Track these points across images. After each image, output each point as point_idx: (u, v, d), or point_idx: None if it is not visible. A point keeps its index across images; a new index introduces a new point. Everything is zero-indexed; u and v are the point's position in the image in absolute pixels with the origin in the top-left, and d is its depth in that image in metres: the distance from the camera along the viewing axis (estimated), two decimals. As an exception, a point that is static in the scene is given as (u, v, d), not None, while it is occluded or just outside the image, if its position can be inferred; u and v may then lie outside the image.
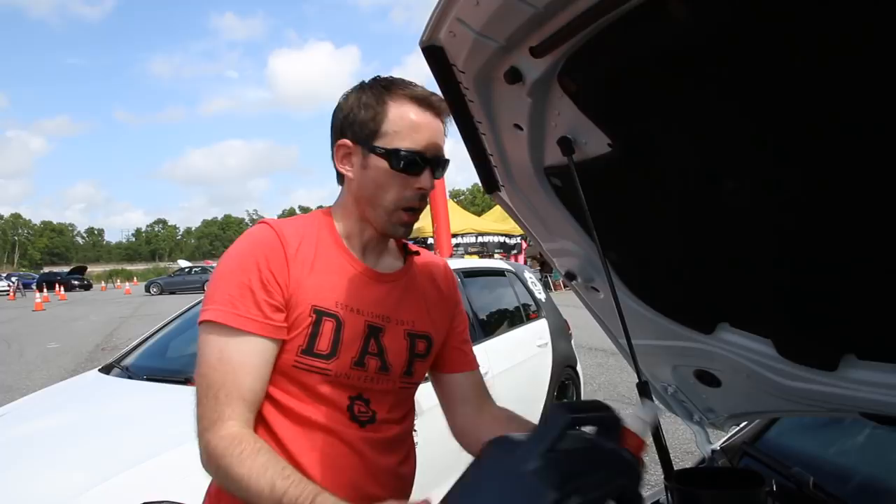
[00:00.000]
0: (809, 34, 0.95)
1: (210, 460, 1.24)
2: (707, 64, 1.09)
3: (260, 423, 1.34)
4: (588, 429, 1.10)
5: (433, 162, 1.37)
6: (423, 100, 1.37)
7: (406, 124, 1.35)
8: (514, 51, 1.24)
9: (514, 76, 1.29)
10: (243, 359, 1.27)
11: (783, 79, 1.04)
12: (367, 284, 1.41)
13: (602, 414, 1.09)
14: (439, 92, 1.42)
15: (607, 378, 8.94)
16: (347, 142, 1.39)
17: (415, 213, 1.38)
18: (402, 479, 1.48)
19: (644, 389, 1.53)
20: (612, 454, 1.06)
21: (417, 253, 1.55)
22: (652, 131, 1.30)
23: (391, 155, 1.34)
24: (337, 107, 1.43)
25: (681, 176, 1.35)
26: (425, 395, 1.55)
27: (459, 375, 1.56)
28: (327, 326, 1.33)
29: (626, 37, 1.11)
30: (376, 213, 1.38)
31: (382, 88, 1.38)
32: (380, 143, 1.35)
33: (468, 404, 1.55)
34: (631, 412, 1.14)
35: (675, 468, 1.60)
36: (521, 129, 1.43)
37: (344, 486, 1.32)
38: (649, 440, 1.14)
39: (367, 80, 1.43)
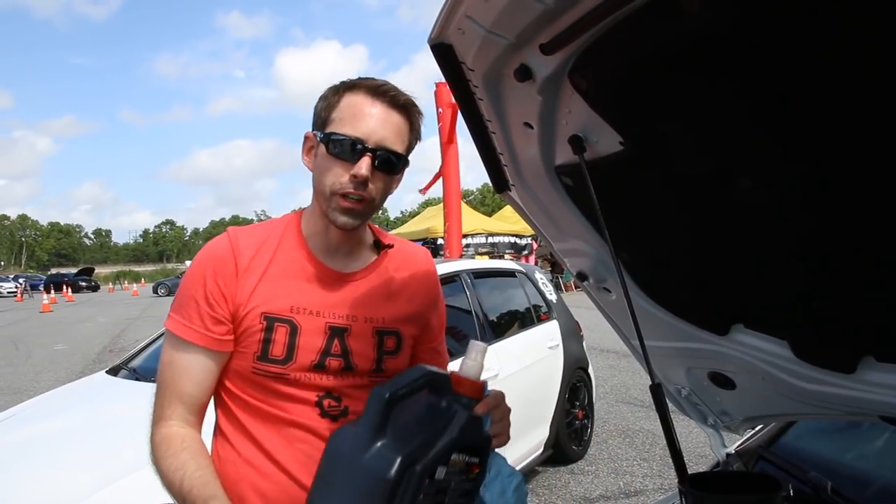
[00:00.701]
0: (822, 27, 0.93)
1: (151, 453, 1.34)
2: (720, 59, 1.07)
3: (235, 425, 1.38)
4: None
5: (375, 151, 1.32)
6: (375, 89, 1.34)
7: (351, 112, 1.33)
8: (525, 48, 1.23)
9: (525, 74, 1.27)
10: (186, 365, 1.35)
11: (797, 73, 1.01)
12: (328, 284, 1.40)
13: (427, 376, 1.12)
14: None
15: (619, 380, 8.90)
16: (310, 134, 1.40)
17: (354, 200, 1.33)
18: None
19: (657, 392, 1.51)
20: (445, 410, 1.11)
21: (391, 246, 1.51)
22: (664, 129, 1.27)
23: (328, 139, 1.33)
24: None
25: (694, 174, 1.32)
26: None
27: None
28: (280, 332, 1.34)
29: (638, 33, 1.09)
30: (320, 201, 1.37)
31: (346, 83, 1.37)
32: (325, 130, 1.34)
33: None
34: (463, 361, 1.18)
35: (689, 472, 1.57)
36: (531, 127, 1.41)
37: None
38: (485, 376, 1.17)
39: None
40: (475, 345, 1.21)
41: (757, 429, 2.20)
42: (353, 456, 1.06)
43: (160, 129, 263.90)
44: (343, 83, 1.38)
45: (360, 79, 1.37)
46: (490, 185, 1.70)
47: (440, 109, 9.56)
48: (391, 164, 1.34)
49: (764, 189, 1.23)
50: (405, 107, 1.36)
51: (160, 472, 1.30)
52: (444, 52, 1.33)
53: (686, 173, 1.34)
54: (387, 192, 1.38)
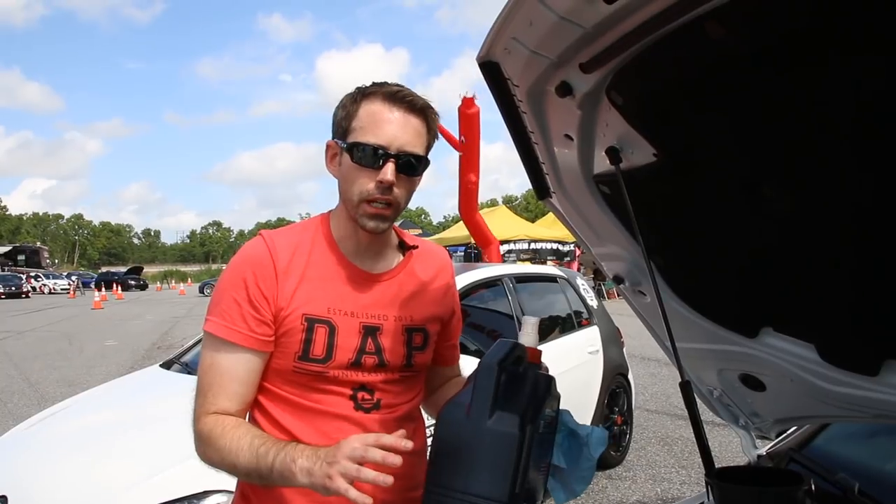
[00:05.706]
0: (832, 45, 1.02)
1: (198, 443, 1.39)
2: (745, 78, 1.16)
3: (267, 419, 1.45)
4: None
5: (397, 157, 1.38)
6: (391, 95, 1.40)
7: (370, 119, 1.39)
8: (566, 66, 1.33)
9: (565, 90, 1.37)
10: (230, 366, 1.40)
11: (817, 90, 1.10)
12: (361, 286, 1.48)
13: (517, 347, 1.31)
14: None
15: (660, 388, 8.86)
16: (332, 142, 1.47)
17: (380, 206, 1.39)
18: (414, 454, 1.52)
19: (686, 388, 1.59)
20: (535, 377, 1.30)
21: (416, 247, 1.59)
22: (695, 141, 1.37)
23: (352, 148, 1.39)
24: None
25: (723, 183, 1.41)
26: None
27: (442, 368, 1.68)
28: (320, 332, 1.42)
29: (670, 54, 1.19)
30: (348, 208, 1.44)
31: (363, 90, 1.44)
32: (348, 139, 1.41)
33: (438, 384, 1.69)
34: (521, 334, 1.37)
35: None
36: (571, 139, 1.51)
37: None
38: (539, 345, 1.37)
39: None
40: (528, 319, 1.38)
41: (789, 431, 2.25)
42: (477, 422, 1.21)
43: (204, 132, 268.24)
44: (359, 90, 1.44)
45: (375, 85, 1.44)
46: (533, 191, 1.80)
47: (462, 139, 9.09)
48: (413, 167, 1.42)
49: (786, 197, 1.31)
50: (422, 110, 1.43)
51: (218, 448, 1.33)
52: (491, 69, 1.44)
53: (716, 182, 1.43)
54: (410, 193, 1.45)
